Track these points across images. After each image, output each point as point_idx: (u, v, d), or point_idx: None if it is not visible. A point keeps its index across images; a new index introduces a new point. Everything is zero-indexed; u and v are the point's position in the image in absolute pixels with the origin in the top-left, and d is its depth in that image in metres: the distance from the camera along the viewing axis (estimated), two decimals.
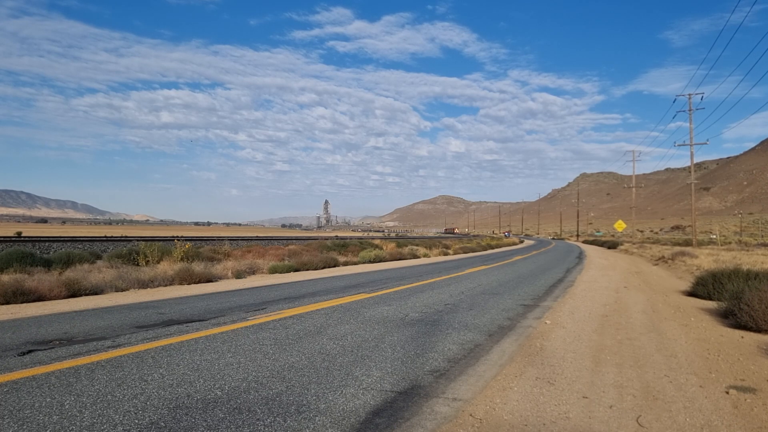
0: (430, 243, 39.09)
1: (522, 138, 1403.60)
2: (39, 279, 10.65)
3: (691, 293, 12.15)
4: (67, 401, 4.03)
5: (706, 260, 21.34)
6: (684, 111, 38.98)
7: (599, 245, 61.99)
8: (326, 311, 8.65)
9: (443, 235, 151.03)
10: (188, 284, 12.80)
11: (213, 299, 10.10)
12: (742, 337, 7.26)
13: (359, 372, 5.03)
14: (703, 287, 11.59)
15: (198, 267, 14.47)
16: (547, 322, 8.22)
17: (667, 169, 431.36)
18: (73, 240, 31.41)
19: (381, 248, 27.54)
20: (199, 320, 7.65)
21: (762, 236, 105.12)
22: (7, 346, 5.84)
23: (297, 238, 47.63)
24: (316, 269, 18.31)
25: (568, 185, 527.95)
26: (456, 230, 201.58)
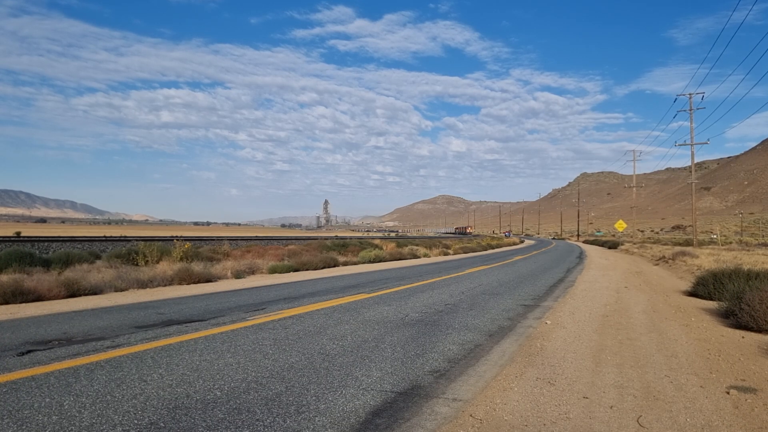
0: (430, 243, 39.08)
1: (523, 137, 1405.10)
2: (38, 279, 10.63)
3: (692, 293, 12.13)
4: (67, 401, 4.02)
5: (706, 260, 21.32)
6: (685, 110, 38.98)
7: (600, 245, 61.96)
8: (326, 311, 8.63)
9: (444, 234, 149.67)
10: (187, 284, 12.79)
11: (212, 299, 10.08)
12: (743, 337, 7.25)
13: (359, 372, 5.02)
14: (704, 287, 11.57)
15: (197, 267, 14.46)
16: (548, 322, 8.21)
17: (667, 169, 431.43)
18: (72, 240, 31.41)
19: (381, 248, 27.53)
20: (199, 320, 7.63)
21: (763, 236, 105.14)
22: (6, 346, 5.83)
23: (296, 238, 47.62)
24: (315, 269, 18.30)
25: (568, 185, 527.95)
26: (469, 229, 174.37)
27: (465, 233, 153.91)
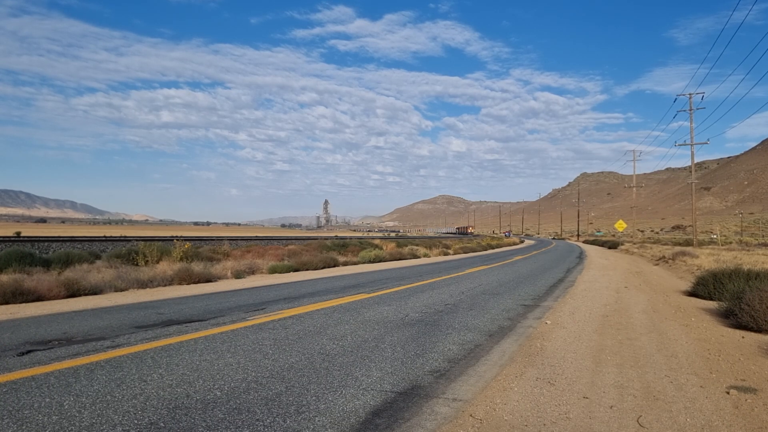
0: (430, 243, 39.08)
1: (524, 137, 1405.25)
2: (38, 279, 10.63)
3: (692, 293, 12.13)
4: (67, 401, 4.02)
5: (706, 260, 21.32)
6: (685, 111, 38.97)
7: (600, 245, 61.96)
8: (326, 311, 8.63)
9: (444, 234, 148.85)
10: (187, 284, 12.79)
11: (212, 299, 10.08)
12: (743, 337, 7.24)
13: (359, 372, 5.02)
14: (704, 287, 11.57)
15: (197, 267, 14.46)
16: (548, 322, 8.21)
17: (667, 169, 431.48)
18: (72, 240, 31.40)
19: (381, 248, 27.52)
20: (199, 320, 7.63)
21: (763, 236, 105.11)
22: (6, 347, 5.83)
23: (296, 238, 47.61)
24: (315, 269, 18.29)
25: (568, 185, 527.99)
26: (470, 229, 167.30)
27: (466, 233, 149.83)
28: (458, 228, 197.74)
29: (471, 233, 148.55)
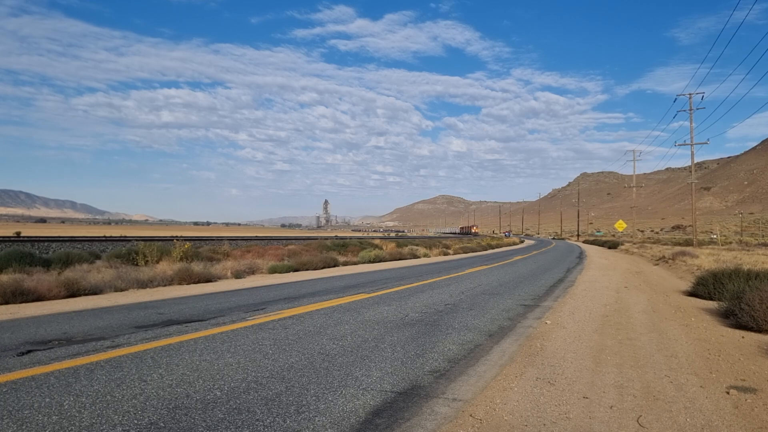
0: (430, 243, 39.09)
1: (524, 137, 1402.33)
2: (38, 279, 10.63)
3: (692, 293, 12.13)
4: (67, 401, 4.02)
5: (706, 260, 21.32)
6: (685, 110, 38.98)
7: (600, 245, 61.96)
8: (326, 311, 8.63)
9: (446, 234, 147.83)
10: (187, 284, 12.79)
11: (212, 299, 10.09)
12: (743, 337, 7.25)
13: (359, 372, 5.02)
14: (704, 287, 11.57)
15: (197, 267, 14.46)
16: (548, 322, 8.21)
17: (667, 169, 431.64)
18: (72, 240, 31.40)
19: (381, 248, 27.53)
20: (199, 320, 7.63)
21: (763, 236, 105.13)
22: (6, 347, 5.83)
23: (296, 238, 47.61)
24: (315, 269, 18.30)
25: (568, 185, 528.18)
26: (474, 229, 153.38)
27: (470, 233, 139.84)
28: (461, 227, 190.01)
29: (475, 233, 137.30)
